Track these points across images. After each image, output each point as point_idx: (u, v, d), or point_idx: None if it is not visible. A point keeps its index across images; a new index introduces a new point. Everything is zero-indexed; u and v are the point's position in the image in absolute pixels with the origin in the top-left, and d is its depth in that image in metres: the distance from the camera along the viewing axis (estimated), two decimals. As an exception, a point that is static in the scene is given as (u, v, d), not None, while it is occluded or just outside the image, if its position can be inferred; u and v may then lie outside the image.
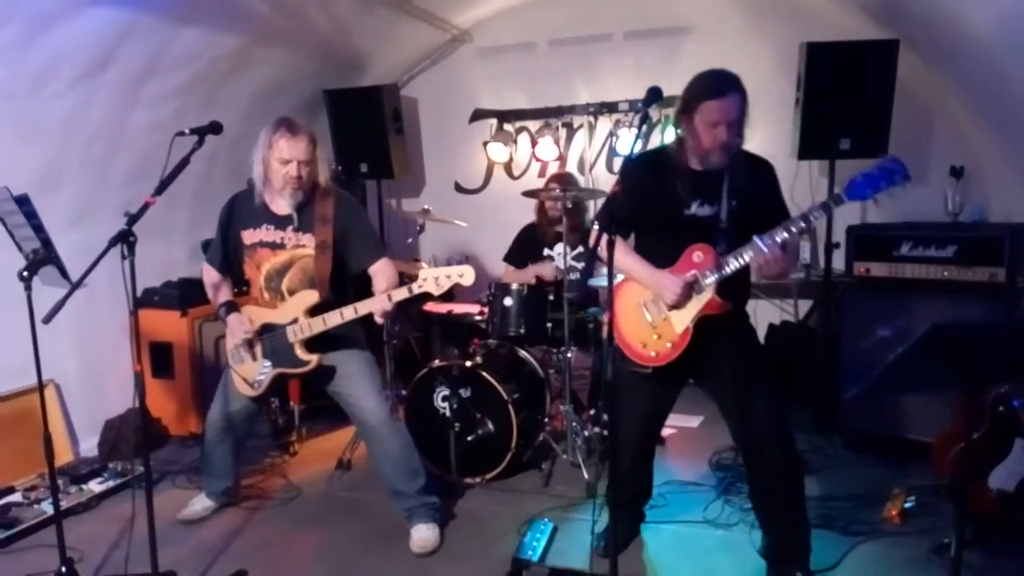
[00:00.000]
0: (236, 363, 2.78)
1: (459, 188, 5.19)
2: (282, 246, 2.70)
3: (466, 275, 2.50)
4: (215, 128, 2.45)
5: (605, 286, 1.98)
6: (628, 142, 4.45)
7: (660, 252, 2.30)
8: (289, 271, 2.71)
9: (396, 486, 2.74)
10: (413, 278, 2.58)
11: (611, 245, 1.86)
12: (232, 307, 2.79)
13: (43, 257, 2.30)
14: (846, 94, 3.52)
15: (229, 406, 2.87)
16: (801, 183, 4.03)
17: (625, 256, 2.32)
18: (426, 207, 3.82)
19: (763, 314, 4.32)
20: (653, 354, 2.28)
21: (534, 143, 4.81)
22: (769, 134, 3.80)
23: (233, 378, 2.81)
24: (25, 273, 2.29)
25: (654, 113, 4.29)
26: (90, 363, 3.62)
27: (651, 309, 2.30)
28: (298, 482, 3.32)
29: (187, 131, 2.41)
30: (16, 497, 3.06)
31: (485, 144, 4.93)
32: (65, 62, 3.09)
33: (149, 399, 3.83)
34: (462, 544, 2.73)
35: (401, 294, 2.55)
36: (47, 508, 2.95)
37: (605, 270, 1.90)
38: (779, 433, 2.26)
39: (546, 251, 3.85)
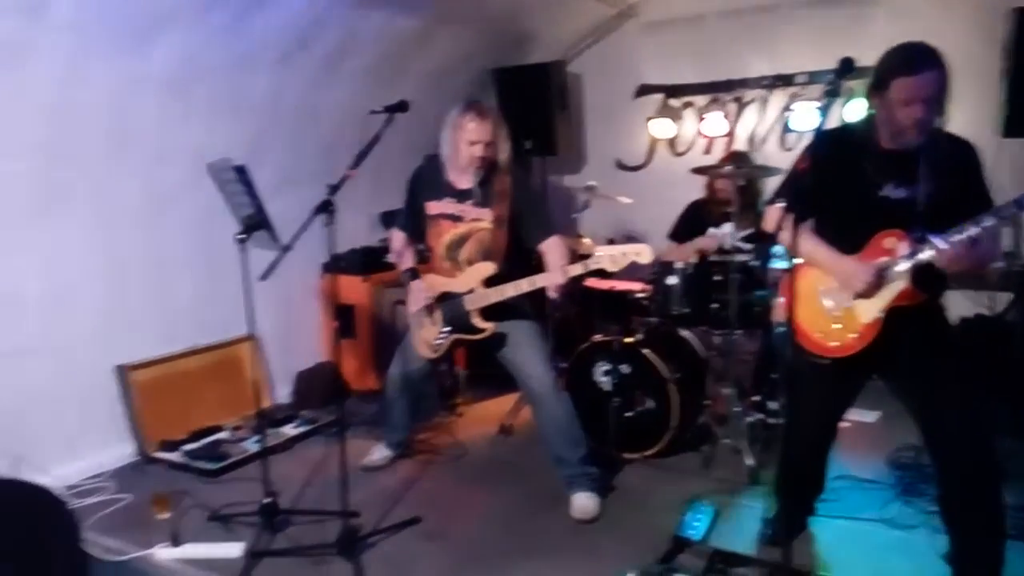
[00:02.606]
0: (417, 327, 2.98)
1: (620, 165, 5.16)
2: (461, 219, 2.85)
3: (644, 254, 2.52)
4: (403, 106, 2.63)
5: (779, 268, 1.93)
6: (804, 117, 4.22)
7: (844, 236, 2.17)
8: (467, 243, 2.85)
9: (559, 453, 2.84)
10: (578, 254, 2.63)
11: (796, 223, 1.80)
12: (415, 275, 2.98)
13: (256, 222, 2.56)
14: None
15: (408, 366, 3.08)
16: (1004, 164, 3.64)
17: (806, 239, 2.22)
18: (591, 184, 3.85)
19: (954, 306, 3.96)
20: (834, 344, 2.18)
21: (701, 119, 4.69)
22: (968, 109, 3.44)
23: (413, 341, 3.02)
24: (241, 236, 2.57)
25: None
26: (283, 320, 4.01)
27: (832, 297, 2.19)
28: (464, 441, 3.52)
29: (379, 109, 2.60)
30: (224, 435, 3.48)
31: (649, 120, 4.87)
32: (269, 45, 3.40)
33: (336, 356, 4.20)
34: (621, 516, 2.79)
35: (576, 270, 2.61)
36: (249, 446, 3.33)
37: (779, 251, 1.84)
38: (975, 437, 2.07)
39: (711, 230, 3.77)
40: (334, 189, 2.43)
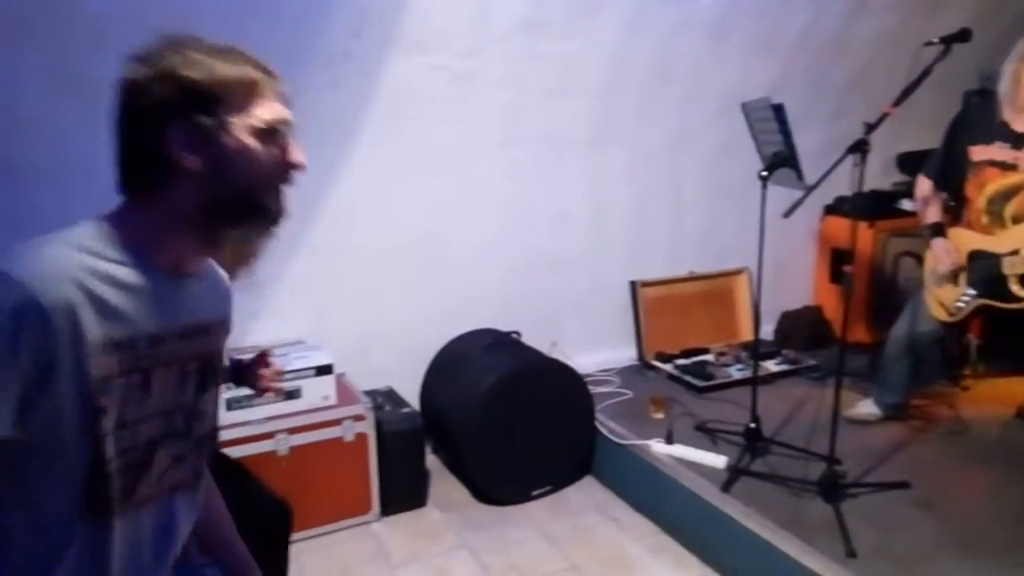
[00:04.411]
0: (935, 285, 2.73)
1: None
2: (1014, 167, 2.47)
3: None
4: (964, 36, 2.36)
5: None
6: None
7: None
8: (1017, 196, 2.47)
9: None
10: None
11: None
12: (939, 229, 2.71)
13: (782, 160, 2.62)
14: None
15: (916, 326, 2.86)
16: None
17: None
18: None
19: None
20: None
21: None
22: None
23: (927, 300, 2.78)
24: (764, 173, 2.66)
25: None
26: (777, 257, 4.03)
27: None
28: (968, 418, 3.15)
29: (935, 40, 2.37)
30: (709, 357, 3.75)
31: None
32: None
33: (824, 301, 4.15)
34: None
35: None
36: (732, 372, 3.54)
37: None
38: None
39: None
40: (871, 128, 2.34)
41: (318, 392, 2.71)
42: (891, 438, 3.00)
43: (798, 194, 2.47)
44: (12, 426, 0.88)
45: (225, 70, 0.96)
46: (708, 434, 3.01)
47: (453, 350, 3.21)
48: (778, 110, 2.53)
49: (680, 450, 2.86)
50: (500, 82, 3.12)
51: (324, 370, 2.71)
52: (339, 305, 3.07)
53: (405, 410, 2.98)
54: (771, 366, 3.65)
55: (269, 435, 2.60)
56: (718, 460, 2.77)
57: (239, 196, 0.99)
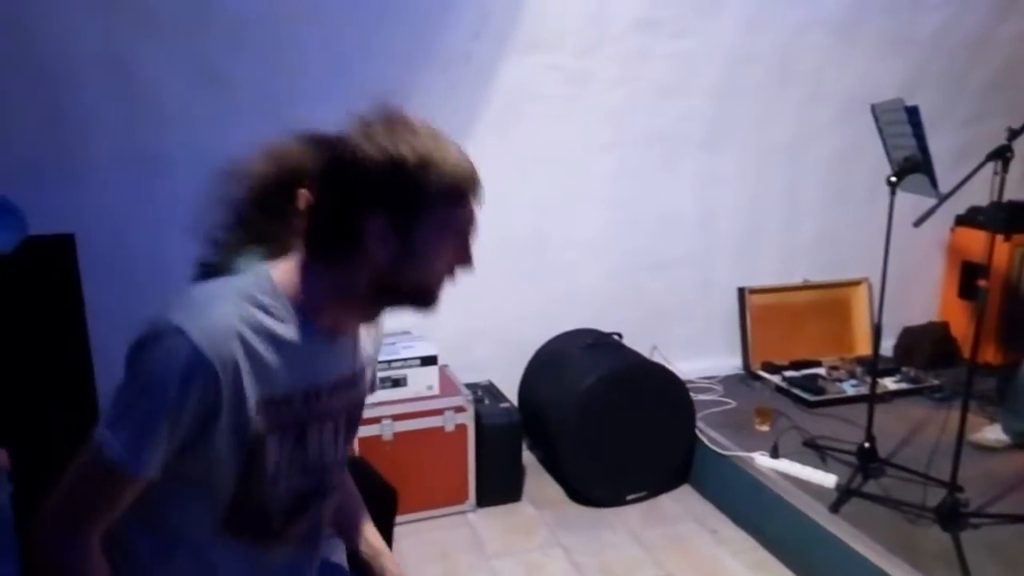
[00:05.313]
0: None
1: None
2: None
3: None
4: None
5: None
6: None
7: None
8: None
9: None
10: None
11: None
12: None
13: (913, 165, 2.46)
14: None
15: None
16: None
17: None
18: None
19: None
20: None
21: None
22: None
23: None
24: (893, 179, 2.50)
25: None
26: (901, 269, 3.81)
27: None
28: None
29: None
30: (821, 371, 3.58)
31: None
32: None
33: (951, 318, 3.88)
34: None
35: None
36: (845, 388, 3.36)
37: None
38: None
39: None
40: (1015, 134, 2.18)
41: (422, 382, 2.78)
42: (1019, 468, 2.77)
43: (926, 202, 2.33)
44: (159, 471, 0.93)
45: (444, 173, 0.95)
46: (817, 451, 2.87)
47: (553, 348, 3.22)
48: (912, 112, 2.39)
49: (786, 465, 2.75)
50: (613, 81, 3.10)
51: (429, 360, 2.79)
52: (444, 298, 3.14)
53: (504, 405, 3.01)
54: (889, 384, 3.45)
55: (376, 420, 2.70)
56: (827, 479, 2.64)
57: (412, 286, 1.01)
